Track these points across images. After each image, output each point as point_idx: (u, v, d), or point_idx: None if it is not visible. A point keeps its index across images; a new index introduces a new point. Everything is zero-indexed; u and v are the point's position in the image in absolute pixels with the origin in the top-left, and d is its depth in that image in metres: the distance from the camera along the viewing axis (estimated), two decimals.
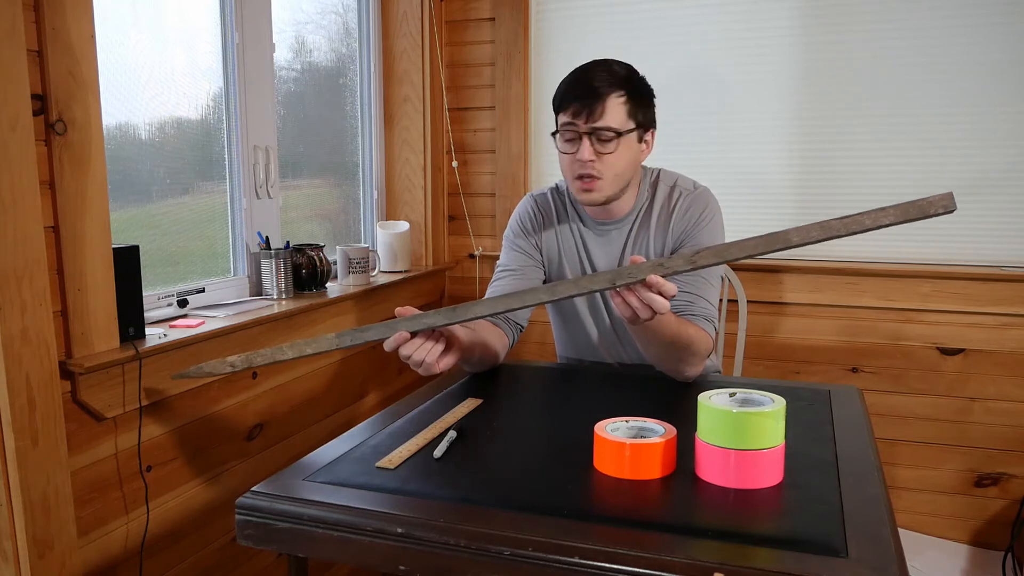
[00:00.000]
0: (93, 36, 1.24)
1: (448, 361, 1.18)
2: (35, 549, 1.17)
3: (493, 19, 2.31)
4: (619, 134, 1.32)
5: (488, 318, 1.46)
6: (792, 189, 2.13)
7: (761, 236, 1.02)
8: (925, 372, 2.05)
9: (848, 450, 1.03)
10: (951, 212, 0.96)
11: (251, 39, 1.76)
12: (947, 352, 2.03)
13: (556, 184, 1.57)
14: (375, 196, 2.34)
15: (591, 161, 1.33)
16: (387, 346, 1.14)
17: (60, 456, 1.20)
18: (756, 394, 0.95)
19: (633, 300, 1.06)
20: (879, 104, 2.03)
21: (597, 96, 1.31)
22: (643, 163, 1.51)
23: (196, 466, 1.51)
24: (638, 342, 1.30)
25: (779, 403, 0.92)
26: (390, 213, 2.38)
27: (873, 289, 2.06)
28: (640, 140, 1.38)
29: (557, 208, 1.53)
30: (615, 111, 1.32)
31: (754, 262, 2.12)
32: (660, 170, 1.50)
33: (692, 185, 1.47)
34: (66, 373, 1.23)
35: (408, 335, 1.12)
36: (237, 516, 0.90)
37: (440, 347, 1.15)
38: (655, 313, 1.06)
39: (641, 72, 1.39)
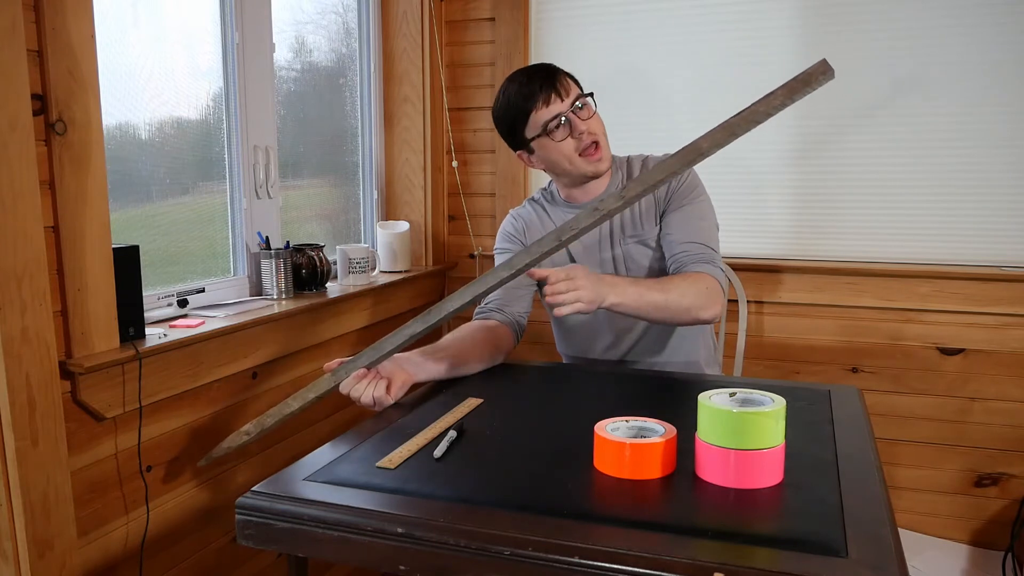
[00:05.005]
0: (93, 36, 1.24)
1: (398, 391, 1.24)
2: (35, 549, 1.17)
3: (493, 19, 2.31)
4: (584, 95, 1.41)
5: (490, 314, 1.48)
6: (791, 188, 2.13)
7: (677, 152, 1.11)
8: (925, 372, 2.05)
9: (848, 450, 1.03)
10: (831, 78, 1.04)
11: (251, 39, 1.76)
12: (947, 352, 2.03)
13: (532, 196, 1.63)
14: (375, 196, 2.34)
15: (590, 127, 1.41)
16: (344, 387, 1.23)
17: (60, 456, 1.20)
18: (756, 394, 0.95)
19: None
20: (879, 103, 2.03)
21: (556, 78, 1.41)
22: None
23: (196, 466, 1.51)
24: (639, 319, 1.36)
25: (779, 403, 0.92)
26: (390, 213, 2.38)
27: (873, 289, 2.05)
28: None
29: (538, 212, 1.59)
30: (571, 83, 1.43)
31: (754, 262, 2.12)
32: (629, 156, 1.58)
33: (663, 155, 1.52)
34: (66, 373, 1.23)
35: (365, 370, 1.22)
36: (237, 516, 0.90)
37: (384, 383, 1.23)
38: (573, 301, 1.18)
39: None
